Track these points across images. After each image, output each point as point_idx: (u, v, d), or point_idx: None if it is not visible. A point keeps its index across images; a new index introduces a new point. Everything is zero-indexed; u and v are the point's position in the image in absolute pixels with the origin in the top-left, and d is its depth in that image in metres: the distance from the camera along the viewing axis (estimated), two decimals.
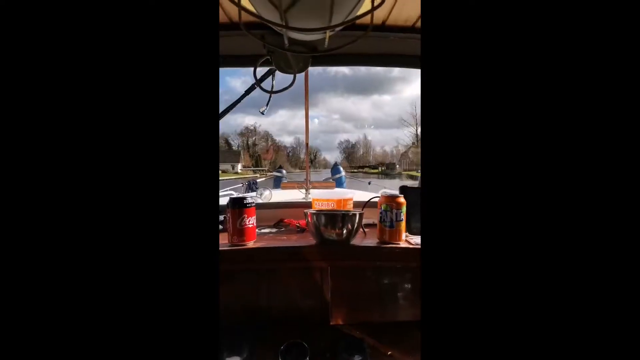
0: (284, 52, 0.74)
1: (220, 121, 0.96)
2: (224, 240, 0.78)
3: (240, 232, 0.75)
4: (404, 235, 0.79)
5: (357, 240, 0.79)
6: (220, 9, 0.77)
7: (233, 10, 0.78)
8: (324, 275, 0.79)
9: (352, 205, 0.97)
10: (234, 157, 41.59)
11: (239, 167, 39.57)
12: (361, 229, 0.89)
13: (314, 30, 0.50)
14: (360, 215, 0.78)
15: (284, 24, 0.50)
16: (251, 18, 0.49)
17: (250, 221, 0.76)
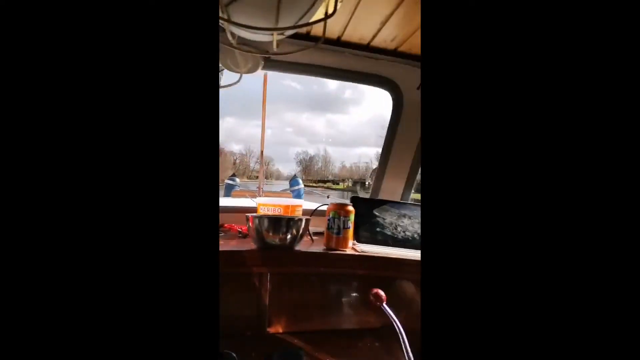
0: (231, 50, 0.73)
1: None
2: None
3: None
4: (350, 242, 0.80)
5: (302, 247, 0.78)
6: None
7: None
8: (263, 282, 0.76)
9: (301, 212, 0.97)
10: None
11: None
12: (308, 236, 0.89)
13: (258, 29, 0.50)
14: (307, 220, 0.77)
15: (225, 17, 0.49)
16: None
17: None
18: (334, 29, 0.82)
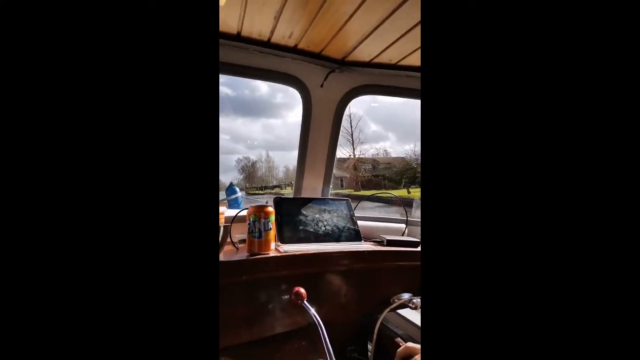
0: None
1: None
2: None
3: None
4: (273, 244, 0.80)
5: (225, 256, 0.75)
6: None
7: None
8: None
9: (223, 220, 0.93)
10: None
11: None
12: (231, 245, 0.86)
13: None
14: (226, 228, 0.74)
15: None
16: None
17: None
18: (230, 23, 0.80)
